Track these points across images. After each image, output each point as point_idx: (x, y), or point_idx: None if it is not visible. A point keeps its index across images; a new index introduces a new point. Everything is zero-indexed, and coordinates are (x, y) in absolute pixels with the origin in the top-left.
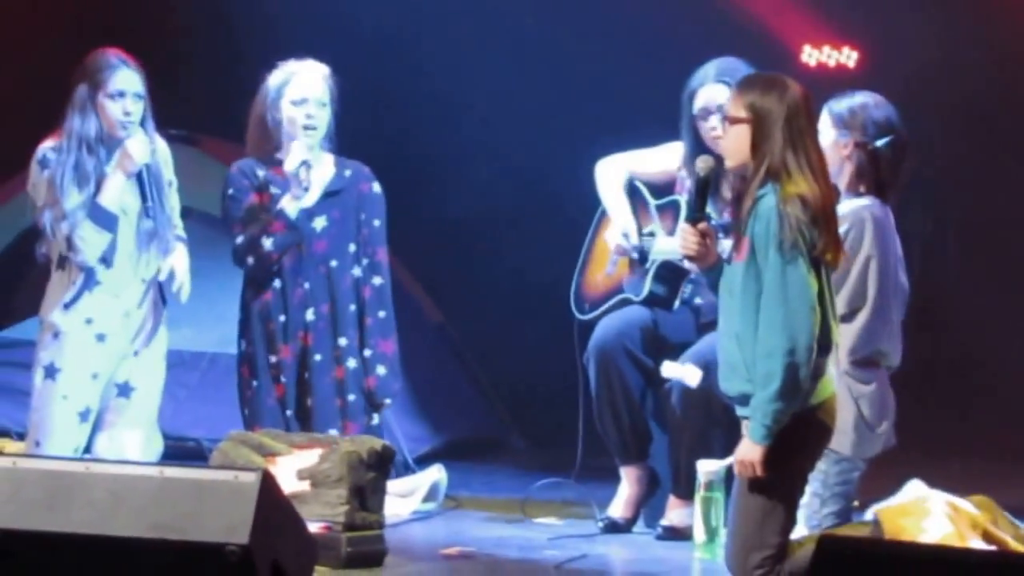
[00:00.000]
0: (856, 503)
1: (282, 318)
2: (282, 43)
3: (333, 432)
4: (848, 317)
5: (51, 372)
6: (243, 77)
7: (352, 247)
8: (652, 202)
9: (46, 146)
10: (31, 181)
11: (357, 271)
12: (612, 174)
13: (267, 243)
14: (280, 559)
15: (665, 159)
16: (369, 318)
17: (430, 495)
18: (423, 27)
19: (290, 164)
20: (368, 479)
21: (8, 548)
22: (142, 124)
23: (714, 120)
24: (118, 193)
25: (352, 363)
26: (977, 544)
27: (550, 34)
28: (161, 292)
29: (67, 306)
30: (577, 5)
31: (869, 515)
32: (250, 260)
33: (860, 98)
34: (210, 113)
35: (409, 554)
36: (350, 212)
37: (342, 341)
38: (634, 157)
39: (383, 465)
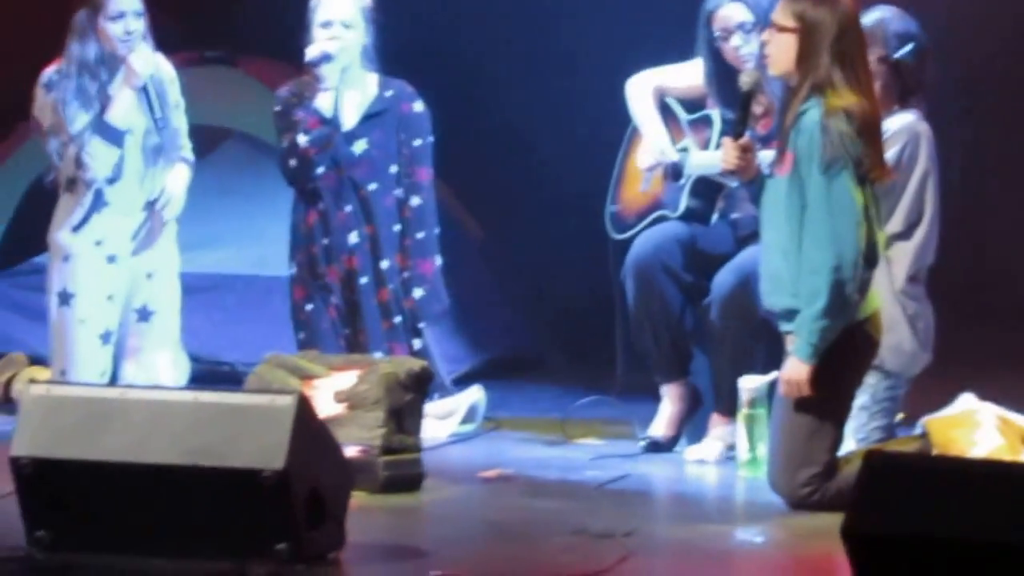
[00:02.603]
0: (902, 416)
1: (325, 241)
2: None
3: (379, 355)
4: (906, 234)
5: (66, 298)
6: None
7: (393, 168)
8: (684, 117)
9: (49, 71)
10: (36, 105)
11: (399, 192)
12: (642, 91)
13: (303, 140)
14: (317, 484)
15: (694, 74)
16: (408, 239)
17: (468, 416)
18: None
19: (311, 53)
20: (406, 401)
21: (44, 476)
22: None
23: (736, 39)
24: (125, 110)
25: (395, 285)
26: None
27: None
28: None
29: (76, 228)
30: None
31: (918, 428)
32: (292, 163)
33: (877, 12)
34: (250, 33)
35: (448, 477)
36: (391, 133)
37: (384, 264)
38: (663, 73)
39: (421, 387)
